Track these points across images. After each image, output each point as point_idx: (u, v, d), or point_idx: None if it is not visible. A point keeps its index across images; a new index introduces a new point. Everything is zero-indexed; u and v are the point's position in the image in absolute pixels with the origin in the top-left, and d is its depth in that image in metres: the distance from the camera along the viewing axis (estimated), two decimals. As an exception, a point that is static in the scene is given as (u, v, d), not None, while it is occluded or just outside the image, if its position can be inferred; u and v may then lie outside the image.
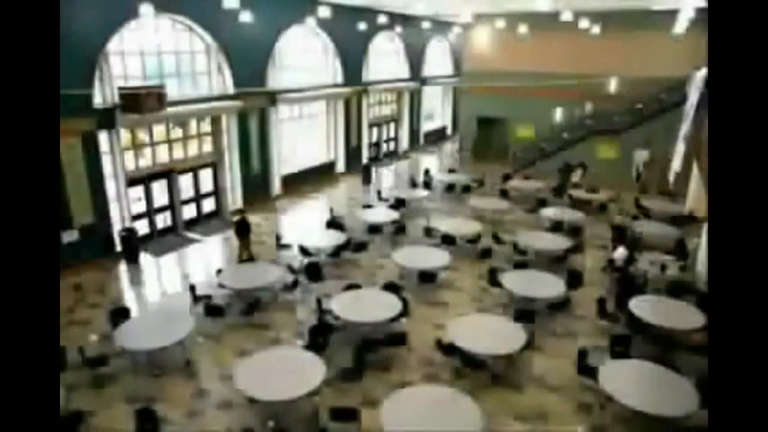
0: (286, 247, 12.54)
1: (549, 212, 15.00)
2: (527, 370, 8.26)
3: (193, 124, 15.18)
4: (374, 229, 13.82)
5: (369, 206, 15.53)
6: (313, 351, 7.84)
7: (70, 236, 11.62)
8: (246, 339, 9.06)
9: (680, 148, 16.54)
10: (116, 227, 12.77)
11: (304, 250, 12.04)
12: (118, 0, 11.63)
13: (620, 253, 11.09)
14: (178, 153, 14.69)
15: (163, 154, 14.25)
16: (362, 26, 19.14)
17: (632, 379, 7.26)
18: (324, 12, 14.38)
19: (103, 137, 12.23)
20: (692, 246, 12.04)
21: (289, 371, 7.31)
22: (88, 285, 11.15)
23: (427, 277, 10.84)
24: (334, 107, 20.66)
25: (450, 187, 18.37)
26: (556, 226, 14.06)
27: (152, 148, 13.95)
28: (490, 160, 22.91)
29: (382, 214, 14.60)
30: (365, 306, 9.25)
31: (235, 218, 12.55)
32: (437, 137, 29.22)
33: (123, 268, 12.26)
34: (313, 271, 11.15)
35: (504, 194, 17.08)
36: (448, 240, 12.86)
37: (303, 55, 18.95)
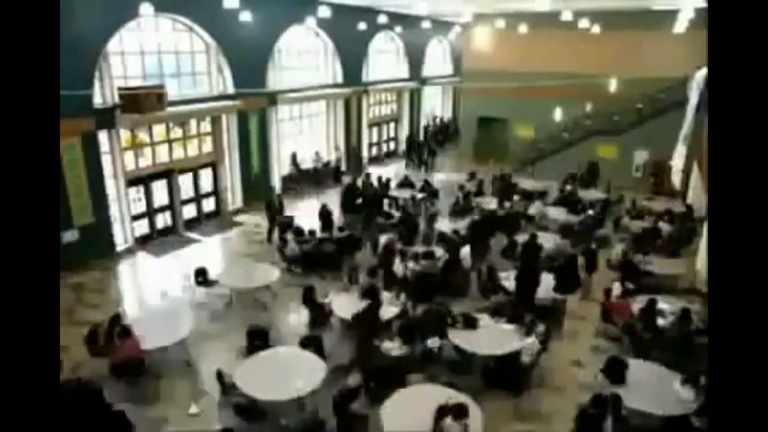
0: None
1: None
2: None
3: (193, 124, 15.19)
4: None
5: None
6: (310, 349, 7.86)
7: (70, 236, 11.62)
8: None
9: (680, 148, 16.56)
10: (116, 227, 12.80)
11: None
12: (118, 0, 11.63)
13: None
14: (178, 153, 14.70)
15: (163, 154, 14.26)
16: (362, 26, 19.13)
17: (632, 379, 7.25)
18: (324, 12, 14.37)
19: (103, 137, 12.24)
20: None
21: (289, 371, 7.32)
22: (88, 285, 11.15)
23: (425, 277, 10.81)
24: (334, 107, 20.65)
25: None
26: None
27: (152, 148, 13.96)
28: (490, 159, 22.93)
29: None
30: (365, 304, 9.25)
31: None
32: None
33: (123, 268, 12.29)
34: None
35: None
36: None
37: (303, 55, 18.95)
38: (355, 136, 21.55)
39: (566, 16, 15.34)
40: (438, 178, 19.58)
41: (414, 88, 25.53)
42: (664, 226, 13.38)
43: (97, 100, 11.95)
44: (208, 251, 13.41)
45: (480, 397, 6.87)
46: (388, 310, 9.03)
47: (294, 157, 18.88)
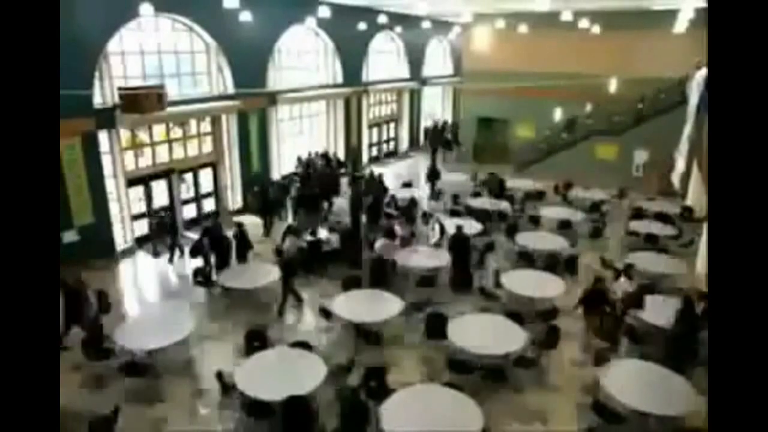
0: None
1: (551, 212, 15.01)
2: (527, 370, 8.24)
3: (193, 124, 15.18)
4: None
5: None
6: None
7: (70, 236, 11.62)
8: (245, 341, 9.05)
9: (683, 149, 16.53)
10: (117, 227, 12.81)
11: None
12: (118, 0, 11.63)
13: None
14: (179, 153, 14.70)
15: (163, 154, 14.26)
16: (362, 26, 19.14)
17: (632, 379, 7.26)
18: (324, 12, 14.38)
19: (103, 137, 12.24)
20: None
21: (289, 371, 7.32)
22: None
23: (426, 279, 10.80)
24: (334, 107, 20.64)
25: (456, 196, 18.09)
26: (562, 226, 14.08)
27: (152, 148, 13.96)
28: (490, 160, 22.93)
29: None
30: (365, 305, 9.29)
31: None
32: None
33: (122, 267, 12.29)
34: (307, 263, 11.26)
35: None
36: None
37: (303, 55, 18.96)
38: (355, 136, 21.55)
39: (566, 16, 15.35)
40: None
41: (414, 88, 25.54)
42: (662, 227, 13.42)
43: (97, 100, 11.95)
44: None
45: (480, 397, 6.87)
46: (390, 309, 9.04)
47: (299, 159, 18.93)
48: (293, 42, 18.01)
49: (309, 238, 12.29)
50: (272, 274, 10.56)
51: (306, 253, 11.81)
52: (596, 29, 18.16)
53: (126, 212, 13.00)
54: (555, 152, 21.09)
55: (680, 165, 16.81)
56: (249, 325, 9.06)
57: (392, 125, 25.54)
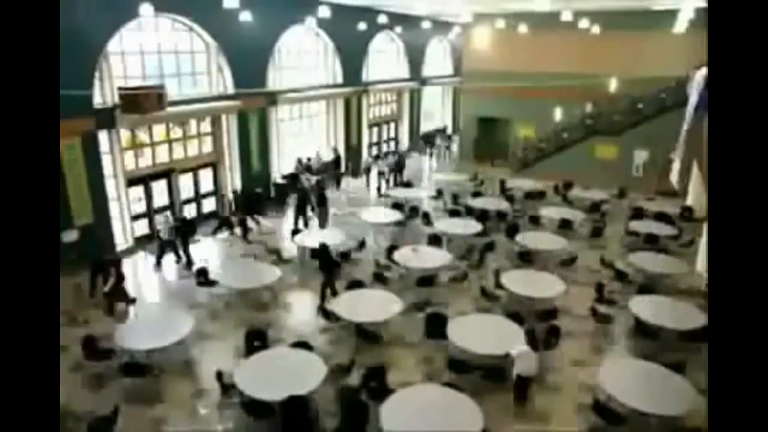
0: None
1: (551, 212, 15.01)
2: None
3: (193, 124, 15.18)
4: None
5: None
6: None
7: (70, 236, 11.61)
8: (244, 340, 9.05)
9: (680, 148, 16.51)
10: (116, 227, 12.79)
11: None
12: (118, 0, 11.62)
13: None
14: (179, 153, 14.70)
15: (163, 154, 14.26)
16: (362, 26, 19.14)
17: (632, 379, 7.26)
18: (324, 12, 14.38)
19: (103, 137, 12.24)
20: None
21: (289, 371, 7.32)
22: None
23: (425, 280, 10.79)
24: (334, 107, 20.64)
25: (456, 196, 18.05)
26: (563, 225, 14.09)
27: (152, 148, 13.96)
28: (490, 160, 22.94)
29: (384, 215, 14.63)
30: (366, 305, 9.29)
31: None
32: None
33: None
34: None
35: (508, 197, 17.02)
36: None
37: (303, 55, 18.95)
38: (355, 136, 21.54)
39: (566, 16, 15.34)
40: (438, 179, 19.61)
41: (414, 88, 25.53)
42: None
43: (97, 100, 11.95)
44: (208, 251, 13.39)
45: (480, 397, 6.87)
46: (390, 309, 9.04)
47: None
48: (293, 42, 18.01)
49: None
50: (272, 273, 10.57)
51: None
52: (596, 29, 18.15)
53: (126, 212, 12.99)
54: (555, 152, 21.06)
55: (677, 165, 16.80)
56: (249, 325, 9.07)
57: (392, 125, 25.53)
